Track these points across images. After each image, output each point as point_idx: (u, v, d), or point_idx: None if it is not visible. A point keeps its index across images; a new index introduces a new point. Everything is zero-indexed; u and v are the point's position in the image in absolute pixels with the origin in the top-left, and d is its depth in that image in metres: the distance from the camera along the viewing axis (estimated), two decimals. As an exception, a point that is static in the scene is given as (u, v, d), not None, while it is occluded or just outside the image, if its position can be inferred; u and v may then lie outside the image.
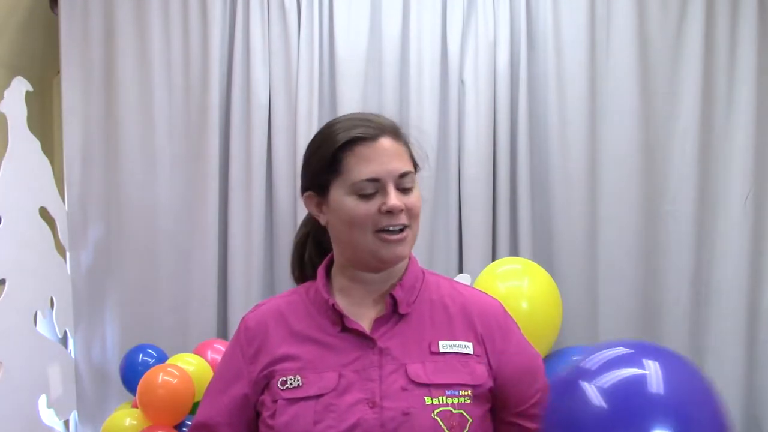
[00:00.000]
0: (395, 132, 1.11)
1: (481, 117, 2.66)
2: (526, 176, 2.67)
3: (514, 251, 2.69)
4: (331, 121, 1.15)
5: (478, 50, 2.67)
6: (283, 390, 1.06)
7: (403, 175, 1.08)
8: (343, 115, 1.16)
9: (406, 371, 1.06)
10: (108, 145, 2.67)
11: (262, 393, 1.09)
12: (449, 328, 1.11)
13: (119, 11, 2.65)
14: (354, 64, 2.65)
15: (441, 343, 1.09)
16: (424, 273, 1.18)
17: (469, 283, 2.27)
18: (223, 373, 1.16)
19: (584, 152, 2.68)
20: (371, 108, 2.66)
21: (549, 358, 2.04)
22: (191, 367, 2.10)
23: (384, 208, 1.06)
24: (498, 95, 2.68)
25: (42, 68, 2.71)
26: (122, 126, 2.66)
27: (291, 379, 1.06)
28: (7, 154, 2.33)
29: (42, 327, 2.48)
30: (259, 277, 2.67)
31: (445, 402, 1.04)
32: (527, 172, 2.68)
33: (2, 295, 2.25)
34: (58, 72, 2.66)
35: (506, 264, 2.25)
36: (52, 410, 2.44)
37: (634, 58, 2.68)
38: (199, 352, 2.25)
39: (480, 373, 1.09)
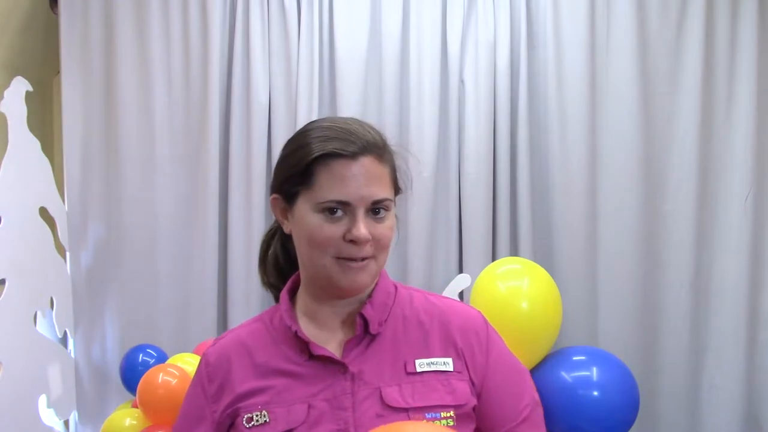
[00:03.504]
0: (380, 151, 1.00)
1: (481, 117, 2.66)
2: (526, 176, 2.67)
3: (514, 251, 2.69)
4: (311, 124, 1.05)
5: (478, 50, 2.67)
6: (248, 428, 0.98)
7: (377, 202, 0.98)
8: (326, 119, 1.06)
9: (380, 396, 0.98)
10: (108, 145, 2.67)
11: None
12: (425, 345, 1.03)
13: (119, 11, 2.64)
14: (354, 64, 2.65)
15: (417, 361, 1.01)
16: (396, 287, 1.09)
17: (469, 284, 2.27)
18: (185, 415, 1.07)
19: (584, 152, 2.68)
20: (371, 109, 2.66)
21: (549, 358, 2.04)
22: (191, 367, 2.09)
23: (348, 236, 0.96)
24: (498, 95, 2.68)
25: (42, 68, 2.71)
26: (122, 126, 2.66)
27: (257, 416, 0.98)
28: (7, 154, 2.33)
29: (42, 327, 2.48)
30: (258, 277, 2.66)
31: None
32: (527, 172, 2.68)
33: (2, 295, 2.25)
34: (58, 72, 2.66)
35: (506, 264, 2.25)
36: (52, 410, 2.45)
37: (634, 58, 2.68)
38: (199, 352, 2.25)
39: (462, 391, 1.01)
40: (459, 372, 1.02)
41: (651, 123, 2.70)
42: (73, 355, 2.65)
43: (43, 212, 2.49)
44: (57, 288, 2.53)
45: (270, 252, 1.15)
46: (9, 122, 2.36)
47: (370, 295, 1.05)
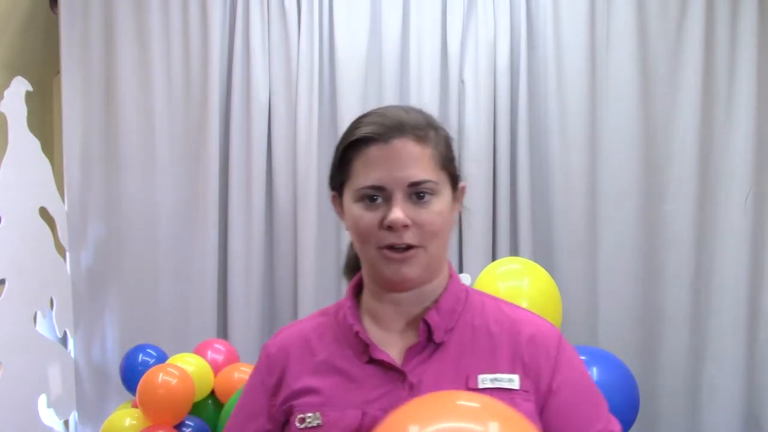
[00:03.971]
0: (419, 132, 0.93)
1: (481, 117, 2.66)
2: (526, 176, 2.67)
3: (514, 251, 2.69)
4: (365, 113, 1.00)
5: (478, 50, 2.67)
6: (301, 428, 0.93)
7: (416, 184, 0.91)
8: (378, 108, 1.00)
9: None
10: (108, 145, 2.67)
11: (283, 430, 0.98)
12: (492, 359, 0.94)
13: (119, 11, 2.65)
14: (354, 64, 2.65)
15: (480, 377, 0.92)
16: (467, 293, 1.01)
17: (469, 283, 2.26)
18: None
19: (584, 152, 2.68)
20: (371, 108, 2.66)
21: (549, 358, 2.04)
22: (191, 367, 2.10)
23: (385, 222, 0.90)
24: (498, 95, 2.68)
25: (42, 68, 2.71)
26: (122, 126, 2.66)
27: (310, 417, 0.93)
28: (7, 154, 2.33)
29: (42, 327, 2.48)
30: (258, 276, 2.67)
31: None
32: (527, 172, 2.68)
33: (2, 295, 2.25)
34: (58, 72, 2.66)
35: (506, 264, 2.25)
36: (52, 410, 2.44)
37: (634, 58, 2.68)
38: (199, 352, 2.25)
39: (526, 412, 0.90)
40: (525, 391, 0.93)
41: (651, 123, 2.71)
42: (73, 355, 2.65)
43: (43, 212, 2.48)
44: (57, 288, 2.53)
45: (350, 257, 1.09)
46: (9, 122, 2.36)
47: (437, 300, 0.97)
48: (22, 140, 2.41)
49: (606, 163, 2.70)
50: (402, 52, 2.68)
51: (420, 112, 0.98)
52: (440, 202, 0.93)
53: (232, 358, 2.26)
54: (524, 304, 2.03)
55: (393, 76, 2.68)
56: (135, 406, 2.13)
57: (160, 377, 2.00)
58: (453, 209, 0.98)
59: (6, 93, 2.35)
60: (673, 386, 2.70)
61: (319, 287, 2.66)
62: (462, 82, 2.69)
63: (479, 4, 2.68)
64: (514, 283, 2.11)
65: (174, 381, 1.99)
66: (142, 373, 2.06)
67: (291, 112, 2.66)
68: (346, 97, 2.64)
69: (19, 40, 2.61)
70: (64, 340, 2.64)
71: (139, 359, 2.27)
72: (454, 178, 0.98)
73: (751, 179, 2.68)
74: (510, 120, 2.68)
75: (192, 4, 2.65)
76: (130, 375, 2.24)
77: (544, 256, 2.67)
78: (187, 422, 2.08)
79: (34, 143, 2.46)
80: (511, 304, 1.03)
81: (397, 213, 0.90)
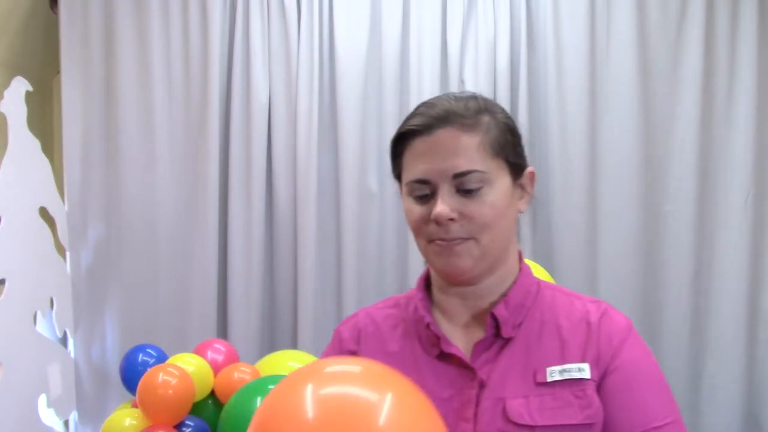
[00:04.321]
0: (465, 120, 0.89)
1: (481, 117, 2.66)
2: (526, 176, 2.67)
3: (514, 251, 2.68)
4: (420, 103, 0.97)
5: (478, 50, 2.67)
6: None
7: (461, 175, 0.87)
8: (432, 98, 0.96)
9: (504, 408, 0.86)
10: (108, 145, 2.67)
11: None
12: (561, 352, 0.90)
13: (119, 11, 2.64)
14: (354, 64, 2.65)
15: (549, 369, 0.88)
16: (539, 286, 0.97)
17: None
18: None
19: (584, 152, 2.68)
20: (371, 109, 2.66)
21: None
22: (191, 367, 2.09)
23: (431, 216, 0.88)
24: (498, 95, 2.67)
25: (42, 68, 2.71)
26: (122, 126, 2.66)
27: None
28: (7, 154, 2.33)
29: (42, 327, 2.48)
30: (259, 276, 2.67)
31: None
32: (527, 172, 2.67)
33: (2, 295, 2.25)
34: (58, 72, 2.66)
35: (506, 264, 2.25)
36: (52, 410, 2.44)
37: (634, 58, 2.68)
38: (199, 352, 2.25)
39: (598, 405, 0.87)
40: (595, 381, 0.89)
41: (651, 123, 2.70)
42: (73, 355, 2.65)
43: (43, 212, 2.48)
44: (57, 288, 2.53)
45: None
46: (9, 122, 2.36)
47: (505, 294, 0.94)
48: (22, 140, 2.40)
49: (606, 163, 2.70)
50: (402, 52, 2.68)
51: (473, 98, 0.93)
52: (493, 193, 0.89)
53: (232, 358, 2.26)
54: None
55: (393, 76, 2.68)
56: (135, 406, 2.13)
57: (160, 377, 2.00)
58: (516, 198, 0.94)
59: (6, 93, 2.35)
60: (673, 386, 2.68)
61: (319, 287, 2.66)
62: (462, 82, 2.69)
63: (479, 4, 2.68)
64: (514, 283, 2.10)
65: (174, 381, 1.99)
66: (142, 373, 2.06)
67: (291, 112, 2.66)
68: (346, 97, 2.64)
69: (19, 40, 2.61)
70: (64, 340, 2.64)
71: (139, 359, 2.27)
72: (514, 165, 0.93)
73: (751, 179, 2.68)
74: (510, 120, 2.68)
75: (192, 5, 2.65)
76: (130, 375, 2.24)
77: (544, 256, 2.67)
78: (187, 422, 2.08)
79: (34, 143, 2.46)
80: (583, 297, 0.98)
81: (441, 207, 0.87)
